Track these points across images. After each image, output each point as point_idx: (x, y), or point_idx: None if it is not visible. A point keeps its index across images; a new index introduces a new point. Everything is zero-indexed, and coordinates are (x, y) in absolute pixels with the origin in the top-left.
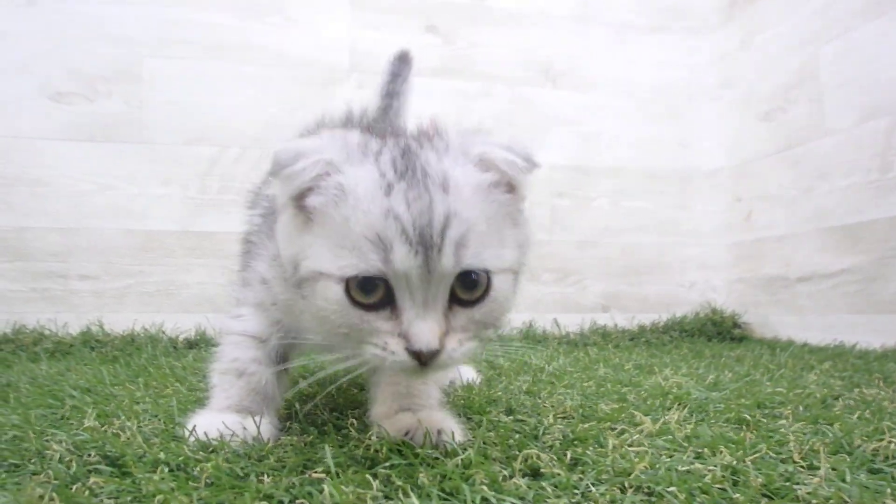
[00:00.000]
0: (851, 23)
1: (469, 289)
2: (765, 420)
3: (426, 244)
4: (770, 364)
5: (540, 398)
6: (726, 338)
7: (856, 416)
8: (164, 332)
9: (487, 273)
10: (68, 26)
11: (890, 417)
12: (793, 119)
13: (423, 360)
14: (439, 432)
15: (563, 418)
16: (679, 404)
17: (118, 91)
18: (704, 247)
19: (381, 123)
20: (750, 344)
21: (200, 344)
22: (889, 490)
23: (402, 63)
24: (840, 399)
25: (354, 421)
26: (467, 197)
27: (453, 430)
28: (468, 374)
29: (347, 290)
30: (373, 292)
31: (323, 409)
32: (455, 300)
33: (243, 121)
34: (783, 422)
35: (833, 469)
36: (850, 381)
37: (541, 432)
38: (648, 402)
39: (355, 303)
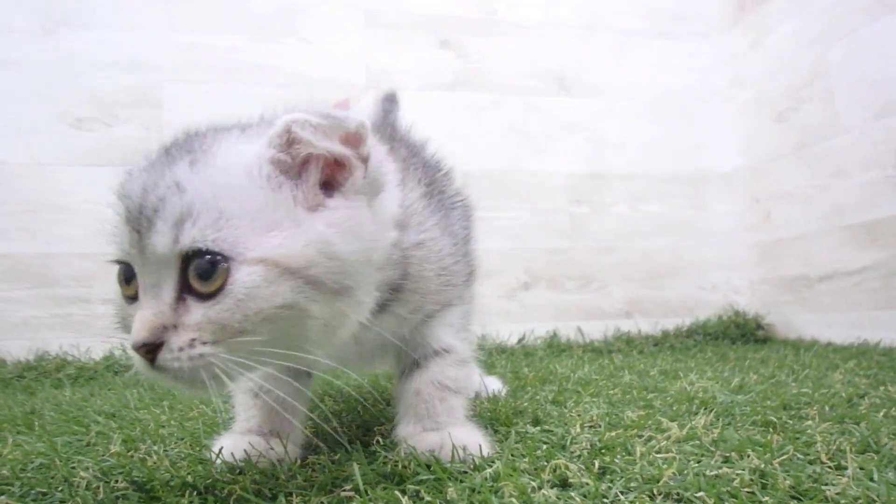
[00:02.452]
0: (859, 21)
1: (202, 278)
2: (791, 421)
3: (137, 221)
4: (794, 365)
5: (566, 407)
6: (750, 340)
7: (882, 414)
8: None
9: (226, 259)
10: (86, 54)
11: None
12: (806, 118)
13: (147, 356)
14: (465, 448)
15: (591, 427)
16: (705, 409)
17: (137, 116)
18: (724, 248)
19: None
20: (774, 345)
21: None
22: None
23: (391, 102)
24: (866, 397)
25: (380, 438)
26: (218, 175)
27: (480, 444)
28: (493, 384)
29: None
30: (131, 282)
31: (350, 425)
32: (191, 291)
33: None
34: (809, 423)
35: (861, 468)
36: (876, 378)
37: (568, 442)
38: (675, 408)
39: (124, 296)
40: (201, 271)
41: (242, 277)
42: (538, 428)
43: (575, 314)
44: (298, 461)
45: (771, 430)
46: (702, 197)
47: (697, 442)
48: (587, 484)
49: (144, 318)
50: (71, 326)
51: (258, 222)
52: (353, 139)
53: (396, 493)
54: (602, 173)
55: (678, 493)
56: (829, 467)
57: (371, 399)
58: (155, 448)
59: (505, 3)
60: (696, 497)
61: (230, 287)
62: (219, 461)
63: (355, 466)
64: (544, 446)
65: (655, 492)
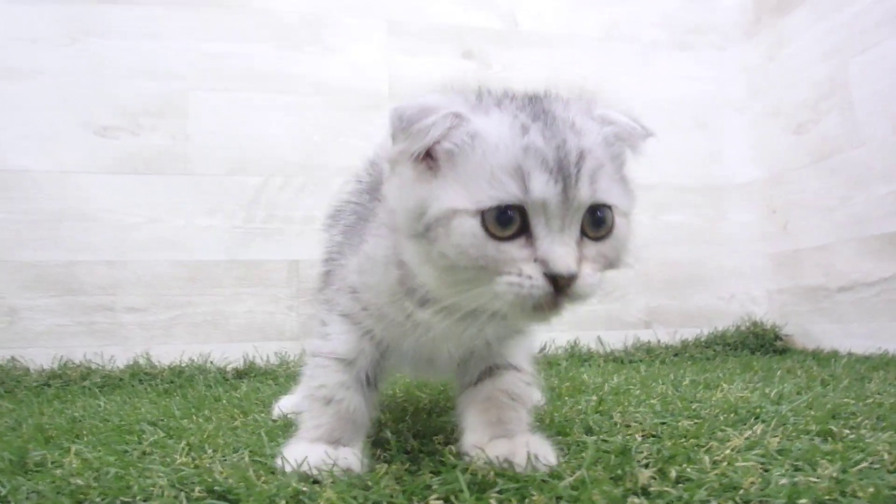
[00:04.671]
0: (879, 35)
1: (597, 224)
2: (847, 431)
3: (564, 173)
4: (824, 375)
5: (613, 417)
6: (769, 350)
7: None
8: (212, 363)
9: (612, 210)
10: (111, 63)
11: None
12: (825, 129)
13: (560, 286)
14: (537, 456)
15: (652, 436)
16: (755, 418)
17: (162, 124)
18: (742, 258)
19: None
20: (794, 355)
21: (250, 373)
22: None
23: None
24: None
25: (440, 447)
26: (596, 140)
27: (549, 453)
28: (534, 395)
29: (483, 223)
30: (509, 225)
31: (407, 434)
32: (584, 235)
33: (286, 149)
34: (864, 432)
35: None
36: None
37: (632, 451)
38: (723, 417)
39: (491, 235)
40: (597, 220)
41: (620, 224)
42: (594, 437)
43: (595, 323)
44: (371, 470)
45: (830, 439)
46: (720, 207)
47: (762, 450)
48: (669, 492)
49: (571, 254)
50: (95, 334)
51: (617, 181)
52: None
53: (491, 500)
54: None
55: (762, 501)
56: None
57: (413, 409)
58: (219, 456)
59: (527, 14)
60: None
61: (615, 231)
62: (289, 470)
63: (459, 475)
64: (612, 456)
65: (739, 500)
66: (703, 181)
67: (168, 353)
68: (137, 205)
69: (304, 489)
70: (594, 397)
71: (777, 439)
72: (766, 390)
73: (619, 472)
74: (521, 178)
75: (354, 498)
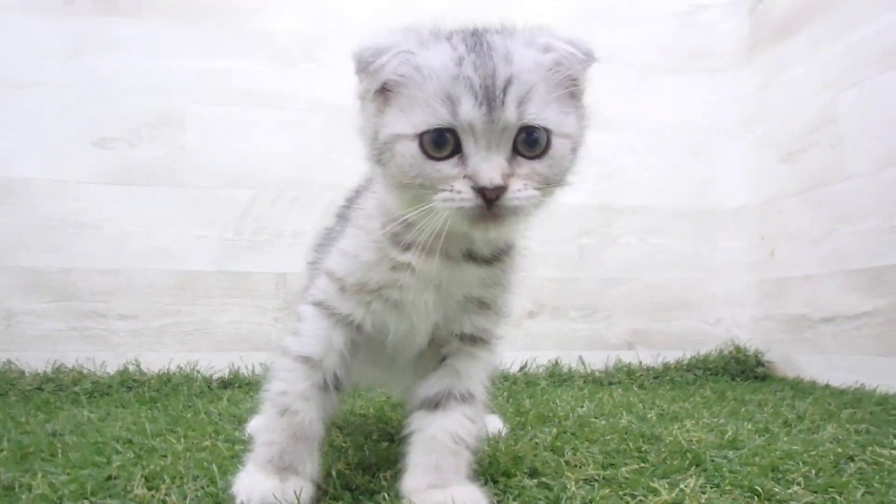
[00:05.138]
0: (870, 71)
1: (530, 145)
2: (777, 489)
3: (490, 98)
4: (789, 413)
5: (564, 455)
6: (749, 376)
7: (861, 492)
8: (198, 372)
9: (547, 131)
10: (112, 76)
11: None
12: (814, 161)
13: (489, 198)
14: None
15: (585, 482)
16: (696, 467)
17: (160, 137)
18: (729, 284)
19: None
20: (773, 383)
21: (234, 383)
22: None
23: None
24: (854, 460)
25: (385, 484)
26: (529, 67)
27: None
28: (494, 425)
29: (421, 145)
30: (443, 146)
31: (356, 468)
32: (518, 154)
33: (279, 165)
34: (795, 488)
35: None
36: (866, 434)
37: (563, 501)
38: (668, 463)
39: (428, 156)
40: (531, 141)
41: (559, 146)
42: (535, 480)
43: (578, 343)
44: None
45: (757, 498)
46: (709, 232)
47: None
48: None
49: (496, 168)
50: (88, 340)
51: (556, 106)
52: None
53: None
54: (612, 206)
55: None
56: None
57: (377, 434)
58: (175, 486)
59: None
60: None
61: (552, 151)
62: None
63: None
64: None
65: None
66: (695, 206)
67: (157, 361)
68: (133, 215)
69: None
70: (555, 430)
71: (705, 496)
72: (727, 429)
73: None
74: (451, 104)
75: None
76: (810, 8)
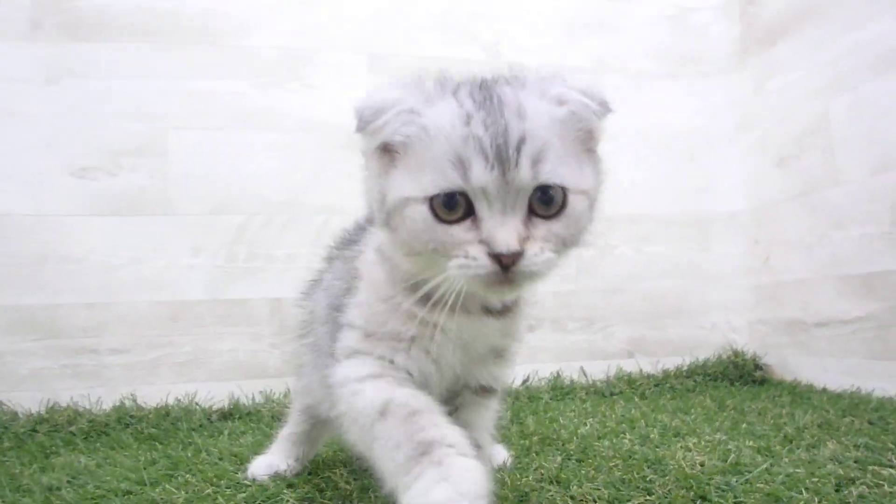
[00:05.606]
0: (861, 77)
1: (546, 204)
2: None
3: (502, 159)
4: (790, 427)
5: (570, 489)
6: (748, 381)
7: None
8: (197, 404)
9: (564, 189)
10: (89, 103)
11: None
12: (807, 166)
13: (505, 264)
14: None
15: None
16: (701, 499)
17: (142, 164)
18: (725, 289)
19: None
20: (770, 388)
21: (234, 414)
22: None
23: None
24: (855, 483)
25: None
26: (543, 122)
27: None
28: (500, 455)
29: (432, 209)
30: (455, 209)
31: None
32: (534, 214)
33: (268, 187)
34: None
35: None
36: (866, 451)
37: None
38: (672, 495)
39: (440, 219)
40: (546, 199)
41: (575, 203)
42: None
43: (578, 354)
44: None
45: None
46: (705, 239)
47: None
48: None
49: (512, 233)
50: (80, 377)
51: (571, 161)
52: (603, 116)
53: None
54: (608, 216)
55: None
56: None
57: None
58: None
59: (511, 45)
60: None
61: (569, 209)
62: None
63: None
64: None
65: None
66: (690, 212)
67: (153, 394)
68: (119, 246)
69: None
70: (560, 457)
71: None
72: (729, 448)
73: None
74: (461, 167)
75: None
76: (802, 11)
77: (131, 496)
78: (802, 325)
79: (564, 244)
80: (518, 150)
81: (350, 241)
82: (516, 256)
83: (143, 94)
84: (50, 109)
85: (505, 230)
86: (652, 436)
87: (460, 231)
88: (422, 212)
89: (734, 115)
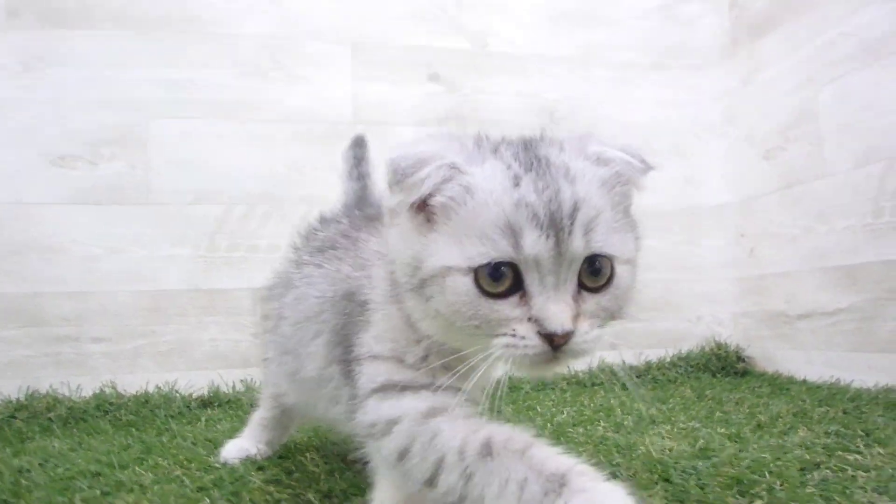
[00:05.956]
0: (847, 67)
1: (595, 275)
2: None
3: (556, 228)
4: (764, 415)
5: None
6: (730, 372)
7: (825, 500)
8: (177, 392)
9: (611, 260)
10: (67, 91)
11: (851, 500)
12: (793, 158)
13: (556, 344)
14: None
15: None
16: (665, 482)
17: (122, 154)
18: (710, 282)
19: (364, 204)
20: (752, 379)
21: (214, 402)
22: None
23: (361, 147)
24: (819, 468)
25: None
26: (592, 186)
27: None
28: None
29: (476, 281)
30: (501, 280)
31: (325, 497)
32: (581, 287)
33: (249, 178)
34: (758, 503)
35: None
36: (836, 437)
37: None
38: (637, 478)
39: (484, 293)
40: (595, 271)
41: (622, 273)
42: None
43: None
44: None
45: None
46: (692, 231)
47: None
48: None
49: (566, 311)
50: (61, 365)
51: (618, 227)
52: (644, 175)
53: None
54: None
55: None
56: None
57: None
58: None
59: (498, 36)
60: None
61: (616, 280)
62: None
63: None
64: None
65: None
66: (677, 205)
67: (134, 383)
68: (99, 236)
69: None
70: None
71: None
72: (699, 436)
73: None
74: (512, 235)
75: None
76: (791, 2)
77: (100, 478)
78: (785, 318)
79: (611, 317)
80: (572, 217)
81: (322, 246)
82: (568, 336)
83: (123, 82)
84: (28, 98)
85: (558, 307)
86: (626, 423)
87: (507, 307)
88: (465, 283)
89: (722, 108)
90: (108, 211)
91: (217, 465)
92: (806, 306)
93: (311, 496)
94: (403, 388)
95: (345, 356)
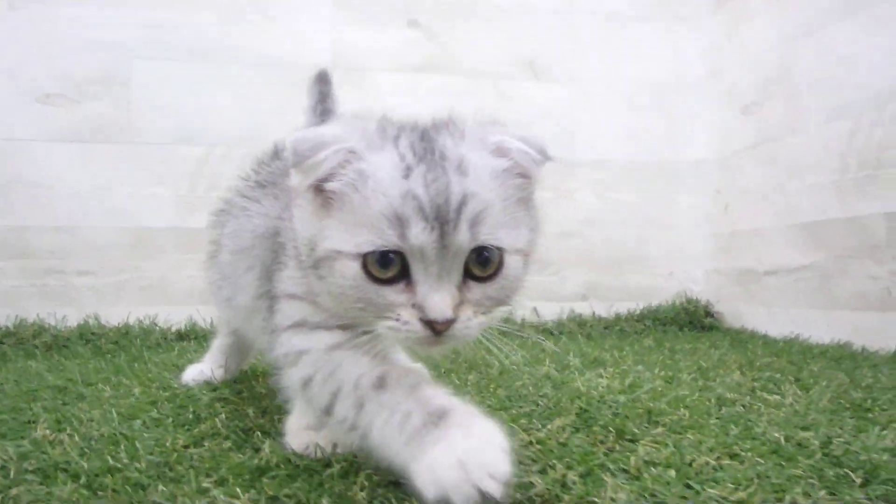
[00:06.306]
0: (824, 21)
1: (482, 265)
2: (638, 431)
3: (442, 220)
4: (705, 361)
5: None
6: (697, 327)
7: (719, 431)
8: (156, 325)
9: (500, 251)
10: (52, 30)
11: (748, 432)
12: (769, 115)
13: (438, 330)
14: (335, 445)
15: None
16: (582, 409)
17: (106, 93)
18: (685, 238)
19: None
20: (716, 334)
21: (191, 335)
22: None
23: (325, 83)
24: (735, 405)
25: (260, 433)
26: (483, 179)
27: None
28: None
29: (364, 266)
30: (389, 267)
31: (253, 412)
32: (469, 276)
33: (229, 120)
34: (658, 430)
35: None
36: (767, 381)
37: None
38: (554, 408)
39: (372, 278)
40: (483, 261)
41: (511, 263)
42: None
43: (531, 295)
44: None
45: (612, 437)
46: (669, 187)
47: (539, 447)
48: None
49: (446, 300)
50: (48, 296)
51: (509, 219)
52: (541, 165)
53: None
54: (570, 160)
55: None
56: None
57: None
58: (79, 431)
59: None
60: None
61: (504, 271)
62: None
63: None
64: None
65: None
66: (655, 160)
67: (117, 315)
68: (84, 173)
69: (116, 466)
70: (474, 377)
71: (564, 436)
72: (634, 376)
73: None
74: (399, 225)
75: (148, 477)
76: None
77: (65, 392)
78: (754, 275)
79: (497, 304)
80: (459, 210)
81: (264, 182)
82: (449, 323)
83: (107, 22)
84: (14, 36)
85: (439, 296)
86: (573, 364)
87: (393, 293)
88: (353, 268)
89: (706, 62)
90: (92, 149)
91: (175, 385)
92: (773, 263)
93: (249, 411)
94: (316, 325)
95: (270, 291)
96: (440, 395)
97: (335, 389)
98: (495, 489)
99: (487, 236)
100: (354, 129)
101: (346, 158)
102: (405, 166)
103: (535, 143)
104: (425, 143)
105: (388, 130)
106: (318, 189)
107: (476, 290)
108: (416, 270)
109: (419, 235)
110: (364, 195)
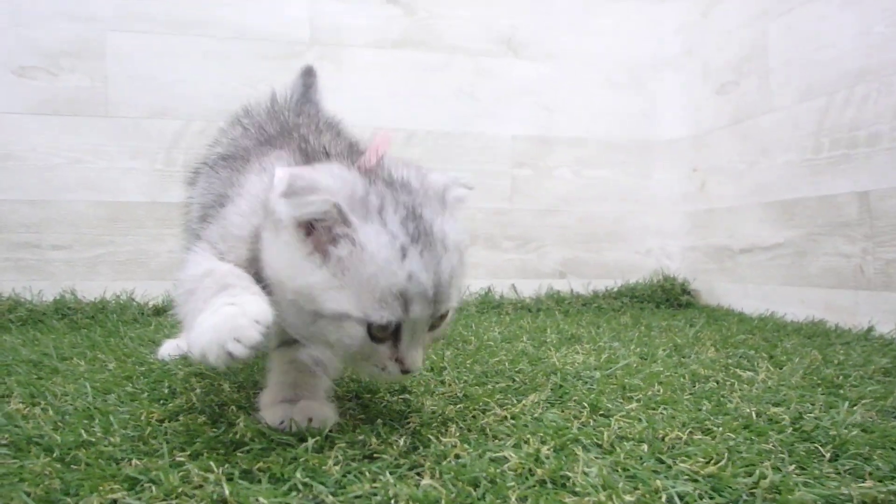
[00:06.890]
0: (797, 0)
1: (441, 319)
2: (612, 406)
3: (438, 299)
4: (683, 338)
5: (441, 376)
6: (673, 304)
7: (693, 407)
8: (133, 300)
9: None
10: (28, 2)
11: (721, 407)
12: (743, 93)
13: (405, 373)
14: (310, 420)
15: (448, 398)
16: (557, 385)
17: (81, 66)
18: (662, 215)
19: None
20: (692, 311)
21: (167, 310)
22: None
23: (310, 76)
24: (708, 381)
25: (235, 408)
26: (458, 249)
27: (326, 417)
28: None
29: (369, 330)
30: (386, 330)
31: (235, 389)
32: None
33: (206, 94)
34: (633, 405)
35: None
36: (741, 359)
37: (411, 414)
38: (530, 384)
39: (372, 338)
40: (442, 316)
41: (451, 315)
42: (397, 397)
43: (511, 272)
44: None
45: (586, 412)
46: (645, 164)
47: (512, 423)
48: (387, 458)
49: (421, 355)
50: (22, 271)
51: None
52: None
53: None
54: (548, 137)
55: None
56: (599, 454)
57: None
58: (53, 405)
59: None
60: (480, 477)
61: (448, 316)
62: None
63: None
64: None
65: (439, 472)
66: (632, 138)
67: (93, 289)
68: (60, 146)
69: (87, 440)
70: (451, 352)
71: (539, 411)
72: (609, 352)
73: (361, 436)
74: (404, 303)
75: (121, 450)
76: None
77: (39, 366)
78: (729, 252)
79: (437, 340)
80: (449, 286)
81: (232, 154)
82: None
83: None
84: None
85: (416, 352)
86: (549, 340)
87: (385, 350)
88: (360, 331)
89: (681, 40)
90: (67, 122)
91: (152, 360)
92: (748, 241)
93: (224, 386)
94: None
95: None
96: (241, 286)
97: (180, 283)
98: (241, 351)
99: (455, 300)
100: (344, 185)
101: (334, 215)
102: (400, 246)
103: (467, 184)
104: (415, 223)
105: (371, 199)
106: (308, 231)
107: (428, 337)
108: (405, 333)
109: (419, 311)
110: (365, 266)
